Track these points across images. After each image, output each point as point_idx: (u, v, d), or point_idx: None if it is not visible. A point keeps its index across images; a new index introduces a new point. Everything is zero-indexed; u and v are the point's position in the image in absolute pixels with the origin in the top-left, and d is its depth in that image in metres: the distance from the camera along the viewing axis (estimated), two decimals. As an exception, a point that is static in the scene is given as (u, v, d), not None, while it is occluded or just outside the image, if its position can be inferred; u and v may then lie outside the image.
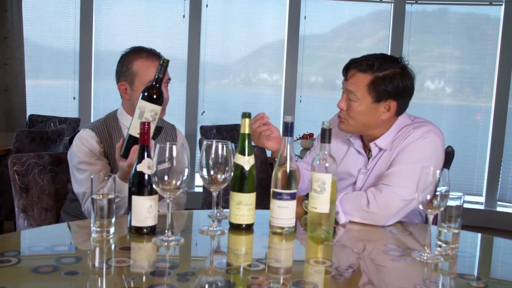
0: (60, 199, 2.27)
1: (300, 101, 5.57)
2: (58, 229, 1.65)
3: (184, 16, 5.44)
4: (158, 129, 2.14)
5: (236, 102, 5.64)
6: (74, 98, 5.43)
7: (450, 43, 5.43)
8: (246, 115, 1.57)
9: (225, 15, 5.61)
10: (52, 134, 3.55)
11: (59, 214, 2.23)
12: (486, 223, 5.24)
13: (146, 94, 1.72)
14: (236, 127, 4.89)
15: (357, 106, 1.86)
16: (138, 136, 1.72)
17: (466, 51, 5.43)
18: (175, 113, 5.45)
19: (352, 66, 1.88)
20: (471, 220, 4.96)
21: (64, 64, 5.44)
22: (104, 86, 5.43)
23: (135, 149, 1.70)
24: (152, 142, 1.75)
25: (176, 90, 5.46)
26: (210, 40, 5.55)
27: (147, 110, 1.71)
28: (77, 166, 2.01)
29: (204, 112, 5.58)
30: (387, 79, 1.82)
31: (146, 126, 1.49)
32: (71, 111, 5.41)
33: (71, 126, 4.52)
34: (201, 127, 4.73)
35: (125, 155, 1.75)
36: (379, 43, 5.50)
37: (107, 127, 2.08)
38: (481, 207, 5.39)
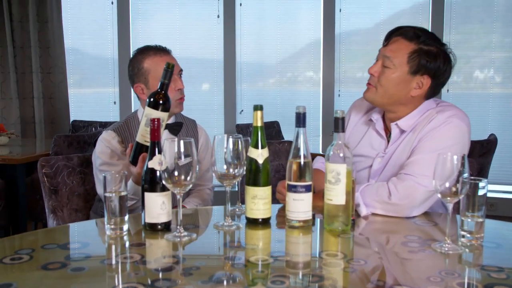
0: (89, 200, 2.31)
1: (339, 95, 5.51)
2: (73, 228, 1.68)
3: (218, 16, 5.46)
4: (179, 125, 2.15)
5: (274, 100, 5.61)
6: (114, 102, 5.56)
7: (495, 31, 5.21)
8: (258, 107, 1.53)
9: (259, 13, 5.60)
10: (89, 138, 3.64)
11: (88, 214, 2.28)
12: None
13: (152, 100, 1.73)
14: (272, 125, 4.86)
15: (391, 73, 1.79)
16: (145, 143, 1.74)
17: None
18: (213, 112, 5.48)
19: (398, 33, 1.83)
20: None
21: (104, 70, 5.58)
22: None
23: (143, 157, 1.71)
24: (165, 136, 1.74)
25: (214, 90, 5.53)
26: (246, 39, 5.56)
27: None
28: (99, 168, 2.05)
29: (242, 110, 5.59)
30: (430, 54, 1.76)
31: (156, 122, 1.49)
32: (112, 115, 5.55)
33: (111, 129, 4.60)
34: (237, 125, 4.74)
35: (134, 162, 1.77)
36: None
37: (128, 127, 2.11)
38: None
